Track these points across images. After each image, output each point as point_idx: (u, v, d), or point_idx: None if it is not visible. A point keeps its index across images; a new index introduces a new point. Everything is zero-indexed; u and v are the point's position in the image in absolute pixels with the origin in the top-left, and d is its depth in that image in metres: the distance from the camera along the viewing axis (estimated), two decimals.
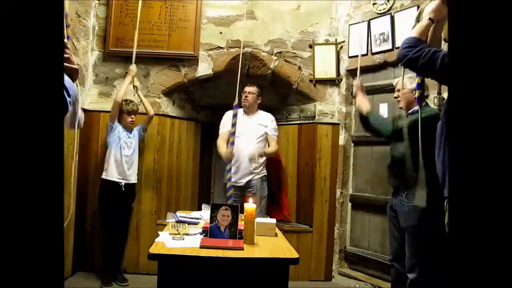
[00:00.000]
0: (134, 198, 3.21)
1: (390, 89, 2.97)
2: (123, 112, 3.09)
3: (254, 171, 3.18)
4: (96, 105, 3.38)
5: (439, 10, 1.69)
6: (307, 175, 3.60)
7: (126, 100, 3.12)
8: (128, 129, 3.14)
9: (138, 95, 3.15)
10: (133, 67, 3.07)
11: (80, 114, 1.93)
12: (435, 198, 2.28)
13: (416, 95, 2.22)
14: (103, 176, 3.06)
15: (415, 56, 1.56)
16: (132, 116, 3.11)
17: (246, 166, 3.17)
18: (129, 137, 3.12)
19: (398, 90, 2.47)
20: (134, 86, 3.11)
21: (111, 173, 3.04)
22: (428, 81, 2.74)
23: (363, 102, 2.57)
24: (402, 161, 2.36)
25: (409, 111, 2.45)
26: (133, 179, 3.13)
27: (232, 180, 3.18)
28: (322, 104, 3.57)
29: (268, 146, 3.32)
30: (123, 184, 3.05)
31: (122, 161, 3.05)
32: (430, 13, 1.73)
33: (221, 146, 3.18)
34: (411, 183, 2.30)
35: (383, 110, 3.18)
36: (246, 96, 3.24)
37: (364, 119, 2.56)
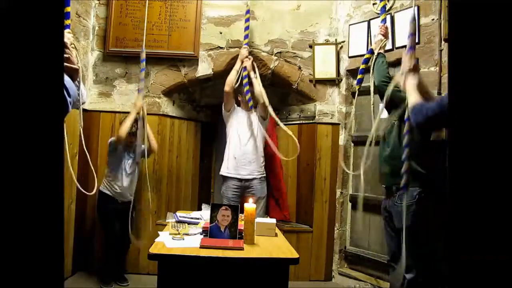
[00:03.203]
0: (133, 210, 3.18)
1: None
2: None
3: (253, 164, 3.18)
4: (96, 105, 3.38)
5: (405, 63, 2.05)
6: (307, 175, 3.59)
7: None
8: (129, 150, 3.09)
9: (146, 129, 2.95)
10: (138, 101, 2.89)
11: (83, 91, 1.87)
12: (428, 197, 2.29)
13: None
14: (101, 188, 3.04)
15: (425, 121, 1.69)
16: (133, 138, 2.97)
17: (244, 159, 3.18)
18: (130, 157, 3.07)
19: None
20: (143, 119, 2.90)
21: (109, 189, 3.03)
22: (426, 80, 2.74)
23: (378, 43, 2.69)
24: (393, 160, 2.36)
25: None
26: (131, 197, 3.03)
27: (231, 174, 3.19)
28: (322, 104, 3.57)
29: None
30: (120, 201, 3.03)
31: (122, 185, 3.03)
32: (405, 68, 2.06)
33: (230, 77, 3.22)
34: (403, 182, 2.31)
35: (383, 110, 3.17)
36: (251, 97, 3.25)
37: (374, 60, 2.63)
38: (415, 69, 2.08)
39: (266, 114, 3.26)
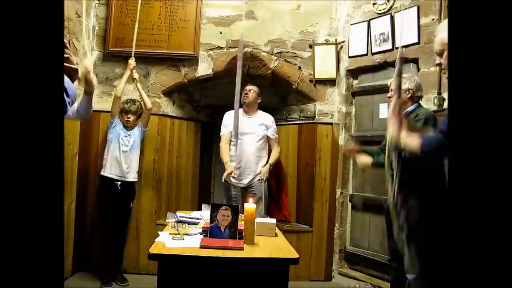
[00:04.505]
0: (133, 198, 3.21)
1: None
2: (121, 111, 3.12)
3: (256, 171, 3.18)
4: (96, 105, 3.37)
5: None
6: (307, 175, 3.59)
7: (126, 100, 3.14)
8: (127, 127, 3.14)
9: (137, 88, 3.14)
10: (131, 60, 3.09)
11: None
12: (433, 199, 2.28)
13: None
14: (101, 172, 3.09)
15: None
16: (129, 116, 3.09)
17: (247, 166, 3.17)
18: (128, 135, 3.12)
19: (392, 90, 2.47)
20: (133, 78, 3.12)
21: (108, 170, 3.05)
22: (424, 81, 2.75)
23: (361, 161, 2.59)
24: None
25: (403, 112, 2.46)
26: (131, 178, 3.12)
27: (233, 180, 3.18)
28: (322, 104, 3.57)
29: (269, 147, 3.34)
30: (120, 182, 3.05)
31: (119, 158, 3.05)
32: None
33: (224, 150, 3.21)
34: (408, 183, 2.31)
35: (383, 110, 3.18)
36: (246, 94, 3.22)
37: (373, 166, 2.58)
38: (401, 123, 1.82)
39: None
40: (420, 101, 2.47)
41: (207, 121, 4.01)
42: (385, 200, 2.71)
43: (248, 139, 3.17)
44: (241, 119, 3.18)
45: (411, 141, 1.73)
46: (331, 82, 3.54)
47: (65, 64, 1.08)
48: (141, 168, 3.30)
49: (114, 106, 3.09)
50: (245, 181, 3.17)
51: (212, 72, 3.50)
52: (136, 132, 3.16)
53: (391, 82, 2.53)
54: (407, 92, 2.39)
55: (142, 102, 3.16)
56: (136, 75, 3.13)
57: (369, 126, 3.34)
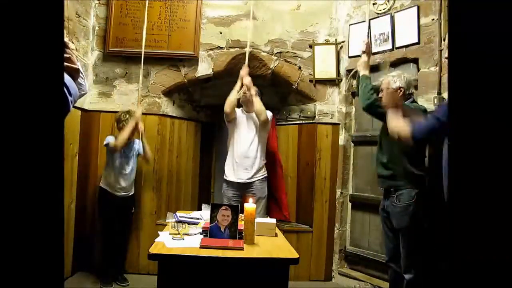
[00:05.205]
0: (133, 205, 3.21)
1: None
2: (119, 129, 3.05)
3: (254, 167, 3.17)
4: (96, 105, 3.38)
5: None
6: (307, 175, 3.59)
7: (120, 117, 3.05)
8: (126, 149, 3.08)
9: (142, 141, 3.08)
10: (138, 114, 3.01)
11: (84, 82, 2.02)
12: (425, 198, 2.29)
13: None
14: (101, 184, 3.07)
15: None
16: (130, 137, 3.03)
17: (245, 162, 3.17)
18: (127, 157, 3.06)
19: (382, 90, 2.47)
20: (140, 133, 3.04)
21: (108, 184, 3.04)
22: (424, 81, 2.75)
23: (363, 64, 2.52)
24: (390, 162, 2.37)
25: None
26: (130, 192, 3.12)
27: (232, 178, 3.18)
28: (322, 104, 3.57)
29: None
30: (120, 196, 3.04)
31: (119, 179, 3.03)
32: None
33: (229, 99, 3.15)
34: (400, 184, 2.31)
35: None
36: (244, 93, 3.20)
37: (357, 80, 2.53)
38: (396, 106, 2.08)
39: (267, 123, 3.22)
40: (413, 97, 2.48)
41: (207, 121, 4.01)
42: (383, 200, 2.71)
43: (246, 135, 3.18)
44: (240, 116, 3.24)
45: (402, 128, 1.79)
46: (331, 82, 3.54)
47: (66, 64, 1.09)
48: (141, 168, 3.29)
49: (111, 151, 2.98)
50: (243, 177, 3.15)
51: (212, 72, 3.50)
52: (134, 152, 3.12)
53: (381, 81, 2.52)
54: (399, 91, 2.38)
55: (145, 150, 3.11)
56: (142, 128, 3.04)
57: (369, 126, 3.34)
